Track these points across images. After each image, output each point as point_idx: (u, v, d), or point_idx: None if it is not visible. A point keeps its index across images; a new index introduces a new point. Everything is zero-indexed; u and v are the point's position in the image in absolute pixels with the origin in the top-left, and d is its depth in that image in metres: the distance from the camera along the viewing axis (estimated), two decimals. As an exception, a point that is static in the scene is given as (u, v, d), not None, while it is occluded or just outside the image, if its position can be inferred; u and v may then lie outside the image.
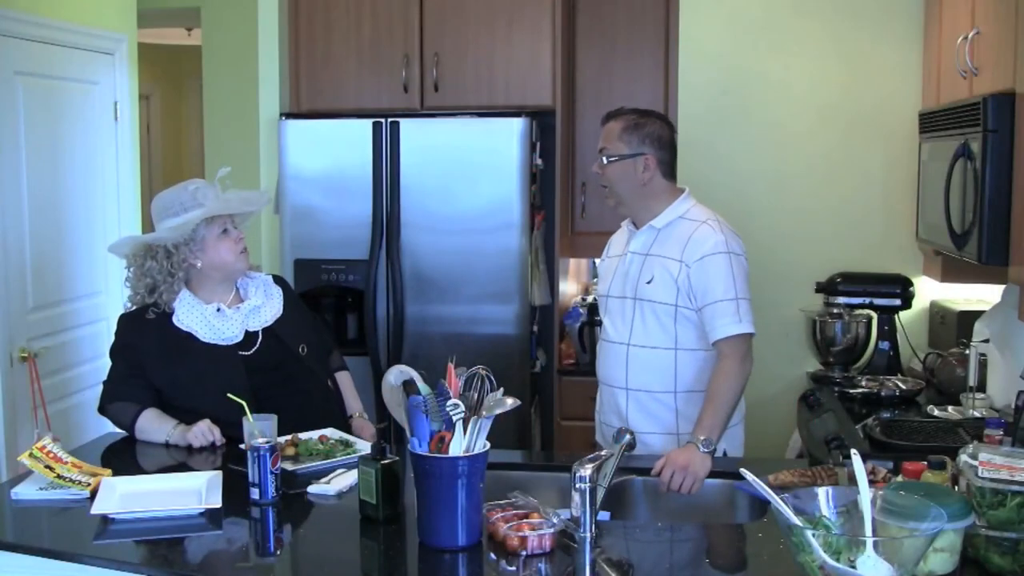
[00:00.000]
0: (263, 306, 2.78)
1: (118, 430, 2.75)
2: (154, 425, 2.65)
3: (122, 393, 2.71)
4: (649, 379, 2.66)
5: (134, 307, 2.75)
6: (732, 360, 2.54)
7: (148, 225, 5.42)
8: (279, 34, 3.99)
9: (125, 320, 2.77)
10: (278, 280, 2.91)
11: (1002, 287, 3.07)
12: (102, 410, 2.76)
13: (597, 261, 2.96)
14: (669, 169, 2.69)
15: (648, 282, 2.63)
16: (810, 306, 3.75)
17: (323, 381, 2.87)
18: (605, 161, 2.66)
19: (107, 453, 2.64)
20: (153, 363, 2.68)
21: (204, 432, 2.59)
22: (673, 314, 2.61)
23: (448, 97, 3.82)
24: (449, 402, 1.91)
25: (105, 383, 2.78)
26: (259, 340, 2.73)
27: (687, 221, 2.66)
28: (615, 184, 2.68)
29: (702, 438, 2.42)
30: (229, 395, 2.41)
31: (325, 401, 2.82)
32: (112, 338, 2.79)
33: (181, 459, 2.55)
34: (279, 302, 2.83)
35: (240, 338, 2.71)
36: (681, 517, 2.36)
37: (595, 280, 4.64)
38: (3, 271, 3.58)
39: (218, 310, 2.71)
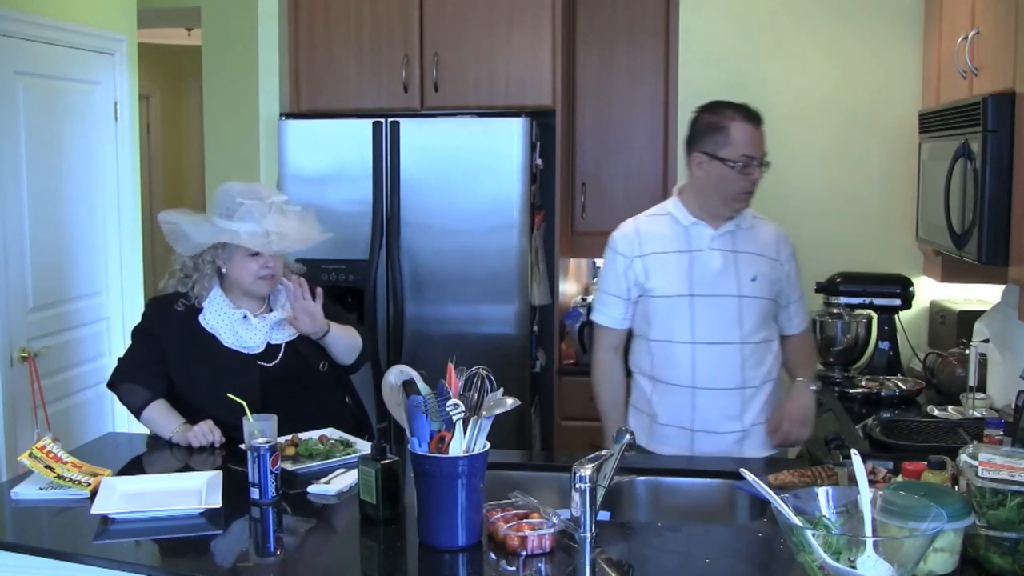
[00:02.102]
0: (286, 323, 2.74)
1: (119, 430, 2.75)
2: (161, 419, 2.66)
3: (137, 376, 2.71)
4: (759, 374, 2.68)
5: (167, 292, 2.74)
6: (810, 337, 2.98)
7: (148, 225, 5.43)
8: (279, 34, 4.00)
9: (155, 305, 2.77)
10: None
11: (1002, 287, 3.07)
12: (112, 386, 2.76)
13: (622, 256, 2.72)
14: None
15: (753, 279, 2.64)
16: (810, 306, 3.74)
17: (340, 397, 2.86)
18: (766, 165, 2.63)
19: (107, 454, 2.64)
20: (173, 355, 2.69)
21: (205, 433, 2.59)
22: (773, 310, 2.71)
23: (448, 97, 3.82)
24: (449, 402, 1.91)
25: (121, 360, 2.78)
26: (280, 353, 2.72)
27: (761, 221, 2.75)
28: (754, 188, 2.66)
29: (810, 378, 2.74)
30: (229, 395, 2.41)
31: (339, 416, 2.79)
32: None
33: (181, 459, 2.56)
34: None
35: (261, 348, 2.70)
36: (681, 517, 2.36)
37: (595, 280, 4.64)
38: (3, 271, 3.58)
39: (244, 317, 2.70)
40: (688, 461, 2.58)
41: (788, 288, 2.75)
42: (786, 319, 2.79)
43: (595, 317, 2.83)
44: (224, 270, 2.70)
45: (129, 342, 2.79)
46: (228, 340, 2.68)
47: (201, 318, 2.68)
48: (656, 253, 2.68)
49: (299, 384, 2.72)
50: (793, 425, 2.67)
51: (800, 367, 2.81)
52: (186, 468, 2.49)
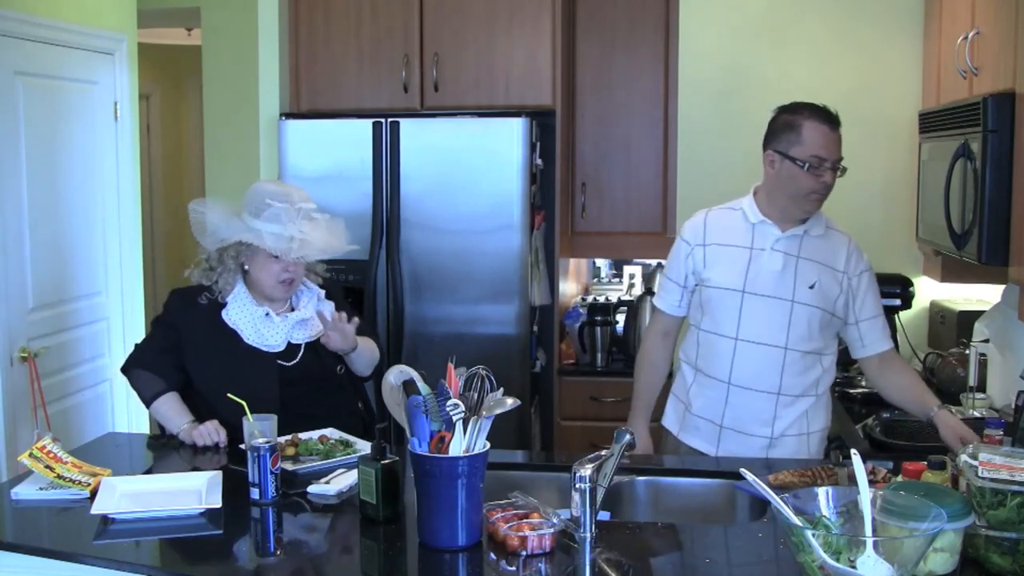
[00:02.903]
0: (310, 320, 2.74)
1: (119, 430, 2.75)
2: (171, 413, 2.66)
3: (153, 364, 2.71)
4: (799, 383, 2.61)
5: (191, 282, 2.74)
6: (903, 361, 2.78)
7: (147, 226, 5.42)
8: (279, 34, 3.99)
9: (177, 297, 2.77)
10: (331, 295, 2.86)
11: (1002, 287, 3.07)
12: (126, 370, 2.76)
13: (686, 243, 2.73)
14: None
15: (811, 287, 2.58)
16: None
17: (353, 401, 2.86)
18: (842, 170, 2.60)
19: (107, 454, 2.64)
20: (192, 350, 2.69)
21: (211, 432, 2.59)
22: (828, 321, 2.62)
23: (448, 97, 3.82)
24: (449, 402, 1.91)
25: (138, 346, 2.79)
26: (300, 353, 2.72)
27: (836, 232, 2.68)
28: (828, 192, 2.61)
29: (943, 405, 2.57)
30: (229, 395, 2.40)
31: (350, 420, 2.79)
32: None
33: (184, 459, 2.56)
34: None
35: (282, 347, 2.70)
36: (681, 517, 2.36)
37: (595, 280, 4.65)
38: (3, 271, 3.58)
39: (267, 315, 2.69)
40: (714, 463, 2.58)
41: (856, 304, 2.63)
42: (856, 338, 2.67)
43: (655, 300, 2.86)
44: (247, 268, 2.70)
45: (136, 338, 2.80)
46: (249, 337, 2.67)
47: (224, 313, 2.68)
48: (718, 244, 2.68)
49: (315, 385, 2.72)
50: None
51: (924, 388, 2.66)
52: (193, 469, 2.48)
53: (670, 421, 2.80)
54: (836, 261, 2.62)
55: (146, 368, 2.71)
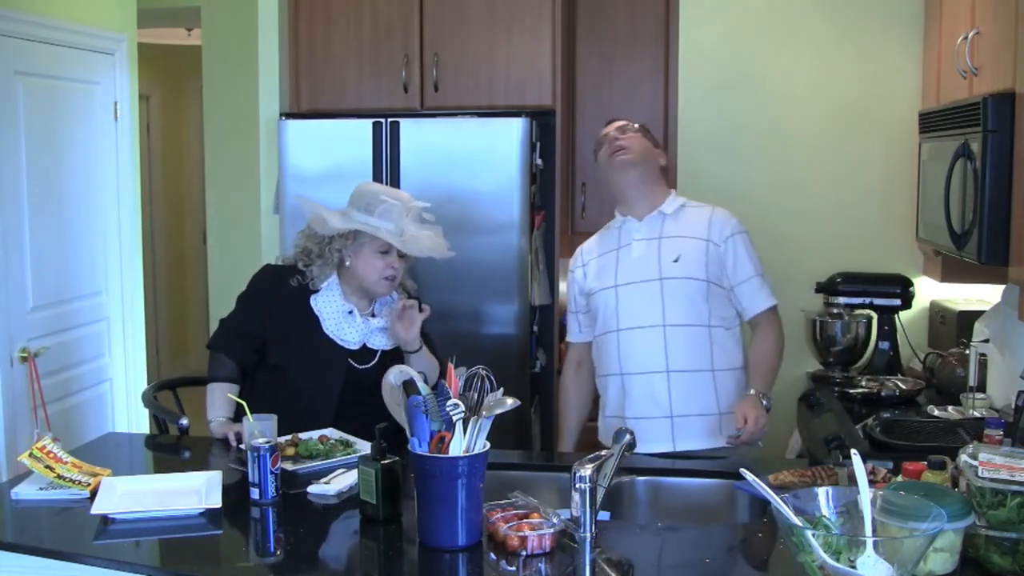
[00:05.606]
0: (388, 332, 2.77)
1: (119, 430, 2.75)
2: (217, 401, 2.71)
3: (232, 350, 2.77)
4: (689, 358, 2.66)
5: (284, 263, 2.80)
6: (775, 329, 2.74)
7: (148, 225, 5.41)
8: (279, 34, 3.99)
9: (270, 271, 2.83)
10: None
11: (1002, 287, 3.07)
12: (210, 347, 2.81)
13: (571, 273, 2.94)
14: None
15: (675, 260, 2.67)
16: (810, 306, 3.75)
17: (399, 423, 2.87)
18: (636, 126, 2.80)
19: (107, 454, 2.64)
20: (273, 321, 2.72)
21: (237, 437, 2.58)
22: (705, 291, 2.67)
23: (448, 97, 3.82)
24: (449, 402, 1.91)
25: (224, 323, 2.83)
26: (373, 361, 2.74)
27: (694, 207, 2.78)
28: (639, 154, 2.75)
29: (763, 393, 2.59)
30: (229, 395, 2.40)
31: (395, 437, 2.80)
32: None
33: (182, 460, 2.55)
34: None
35: (357, 347, 2.73)
36: (681, 517, 2.36)
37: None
38: (3, 271, 3.58)
39: (350, 312, 2.72)
40: (714, 463, 2.57)
41: (728, 269, 2.70)
42: (738, 301, 2.73)
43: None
44: (348, 263, 2.72)
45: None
46: (329, 327, 2.70)
47: (312, 299, 2.72)
48: (594, 258, 2.86)
49: (375, 396, 2.72)
50: (751, 417, 2.54)
51: (760, 367, 2.70)
52: (186, 468, 2.48)
53: (601, 434, 2.86)
54: (698, 230, 2.72)
55: (227, 351, 2.77)
